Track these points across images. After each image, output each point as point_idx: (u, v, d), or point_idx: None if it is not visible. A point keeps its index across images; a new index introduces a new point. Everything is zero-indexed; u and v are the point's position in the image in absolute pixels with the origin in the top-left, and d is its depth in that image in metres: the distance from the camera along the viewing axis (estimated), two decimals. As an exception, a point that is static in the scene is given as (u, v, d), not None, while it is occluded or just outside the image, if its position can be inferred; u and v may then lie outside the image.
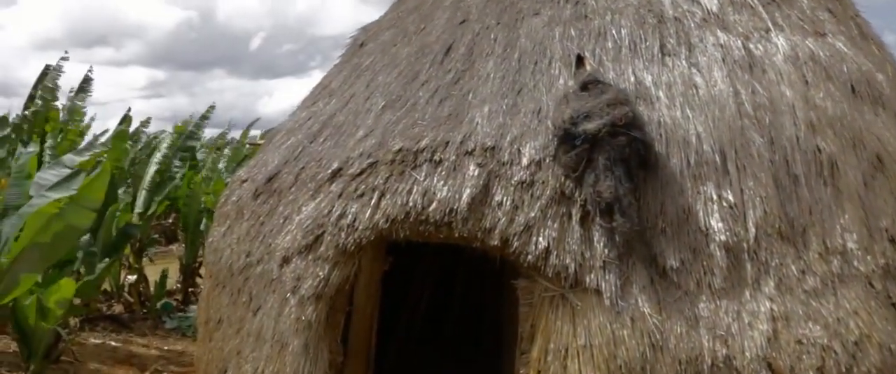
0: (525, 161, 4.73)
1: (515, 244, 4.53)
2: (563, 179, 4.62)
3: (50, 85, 9.39)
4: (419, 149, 4.91)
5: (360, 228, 4.77)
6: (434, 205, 4.64)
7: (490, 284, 7.08)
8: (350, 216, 4.82)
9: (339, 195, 4.96)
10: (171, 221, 16.72)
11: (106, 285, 10.78)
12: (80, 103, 9.58)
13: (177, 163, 10.27)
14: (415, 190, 4.72)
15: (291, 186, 5.48)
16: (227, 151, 12.54)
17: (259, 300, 5.39)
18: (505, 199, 4.62)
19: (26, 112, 8.90)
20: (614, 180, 4.44)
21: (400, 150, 4.96)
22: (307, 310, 4.90)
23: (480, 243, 4.61)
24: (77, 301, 8.07)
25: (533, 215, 4.56)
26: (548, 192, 4.61)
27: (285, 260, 5.09)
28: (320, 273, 4.85)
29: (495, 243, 4.56)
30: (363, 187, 4.90)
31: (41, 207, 5.62)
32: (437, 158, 4.83)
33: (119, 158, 9.21)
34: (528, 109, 5.03)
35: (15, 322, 6.57)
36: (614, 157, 4.50)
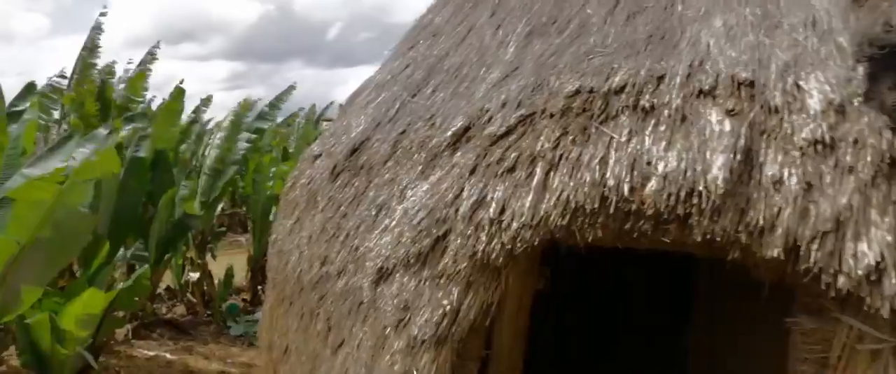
0: (816, 105, 2.46)
1: (813, 256, 2.27)
2: (893, 134, 2.35)
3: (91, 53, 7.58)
4: (612, 89, 2.68)
5: (514, 225, 2.58)
6: (654, 184, 2.42)
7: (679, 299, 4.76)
8: (494, 205, 2.65)
9: (472, 171, 2.80)
10: (245, 209, 15.02)
11: (168, 284, 8.99)
12: (138, 82, 7.66)
13: (243, 145, 8.35)
14: (613, 158, 2.52)
15: (388, 158, 3.36)
16: (298, 130, 10.53)
17: (341, 333, 3.31)
18: (787, 174, 2.37)
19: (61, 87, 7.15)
20: None
21: (576, 92, 2.75)
22: (420, 359, 2.75)
23: (741, 252, 2.37)
24: (120, 314, 6.23)
25: (843, 201, 2.30)
26: (866, 160, 2.34)
27: (383, 275, 2.96)
28: (444, 301, 2.70)
29: (773, 253, 2.31)
30: (514, 155, 2.72)
31: (32, 184, 3.69)
32: (645, 103, 2.61)
33: (169, 138, 7.36)
34: (797, 19, 2.74)
35: (26, 346, 4.73)
36: None
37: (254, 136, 8.34)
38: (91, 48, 7.84)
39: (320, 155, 4.21)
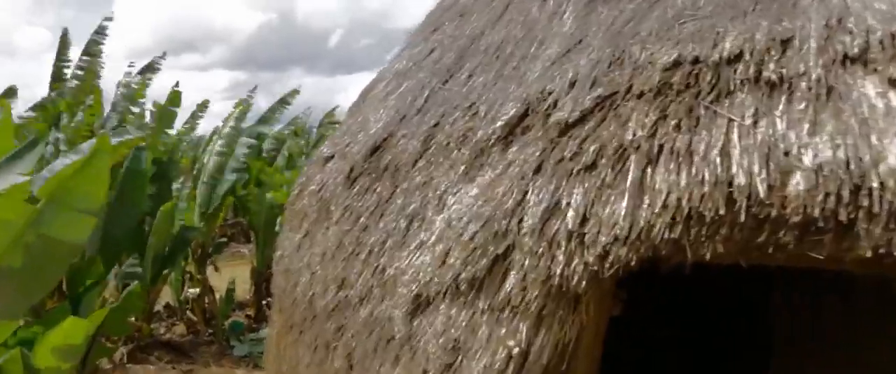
0: None
1: None
2: None
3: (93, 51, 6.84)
4: (724, 58, 1.99)
5: (603, 238, 1.86)
6: (801, 180, 1.74)
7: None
8: (572, 213, 1.95)
9: (537, 169, 2.10)
10: (247, 220, 14.33)
11: (167, 301, 8.30)
12: (135, 85, 6.92)
13: (243, 151, 7.67)
14: (736, 148, 1.84)
15: (418, 157, 2.68)
16: (305, 137, 9.72)
17: None
18: None
19: (53, 93, 6.43)
20: None
21: (674, 64, 2.07)
22: (475, 414, 2.09)
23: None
24: (111, 339, 5.54)
25: None
26: None
27: (421, 304, 2.28)
28: (508, 340, 1.99)
29: None
30: (594, 147, 2.02)
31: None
32: (772, 74, 1.94)
33: (166, 145, 6.67)
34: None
35: (-2, 384, 4.06)
36: None
37: (254, 141, 7.67)
38: (93, 54, 7.07)
39: (332, 157, 3.54)
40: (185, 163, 9.32)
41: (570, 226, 1.93)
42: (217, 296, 7.76)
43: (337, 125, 8.04)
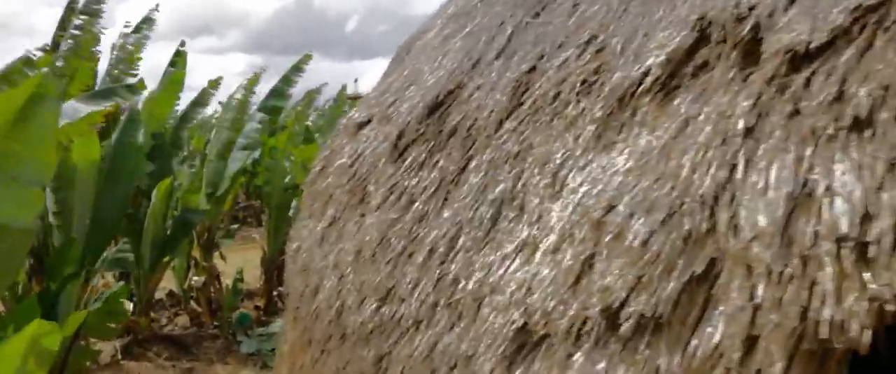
0: None
1: None
2: None
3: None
4: None
5: None
6: None
7: None
8: (841, 205, 1.10)
9: (749, 130, 1.21)
10: (260, 202, 13.47)
11: (171, 288, 7.45)
12: (130, 44, 5.95)
13: (255, 126, 6.76)
14: None
15: (505, 115, 1.77)
16: (317, 108, 8.68)
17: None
18: None
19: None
20: None
21: None
22: None
23: None
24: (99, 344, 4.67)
25: None
26: None
27: (526, 345, 1.40)
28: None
29: None
30: (863, 89, 1.16)
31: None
32: None
33: (162, 113, 5.78)
34: None
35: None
36: None
37: (266, 116, 6.75)
38: (91, 14, 6.05)
39: (367, 122, 2.63)
40: (198, 145, 8.42)
41: (840, 226, 1.01)
42: (224, 285, 6.90)
43: (355, 100, 7.13)
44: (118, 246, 4.75)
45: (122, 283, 5.17)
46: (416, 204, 1.97)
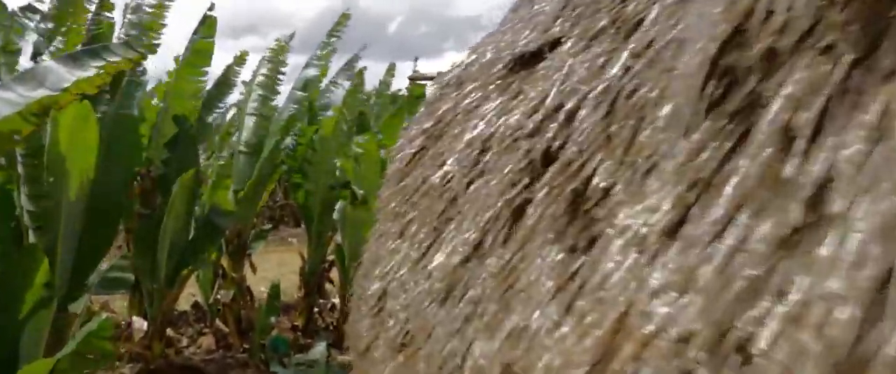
0: None
1: None
2: None
3: None
4: None
5: None
6: None
7: None
8: None
9: None
10: (296, 202, 12.46)
11: (196, 298, 6.46)
12: (150, 8, 4.83)
13: (290, 107, 5.66)
14: None
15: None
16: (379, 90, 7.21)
17: None
18: None
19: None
20: None
21: None
22: None
23: None
24: None
25: None
26: None
27: None
28: None
29: None
30: None
31: None
32: None
33: (193, 91, 4.72)
34: None
35: None
36: None
37: (302, 94, 5.65)
38: None
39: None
40: (224, 137, 7.39)
41: None
42: (256, 302, 5.86)
43: (422, 78, 5.95)
44: (114, 261, 3.70)
45: (91, 325, 4.14)
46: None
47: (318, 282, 6.38)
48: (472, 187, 1.43)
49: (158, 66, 12.56)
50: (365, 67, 5.87)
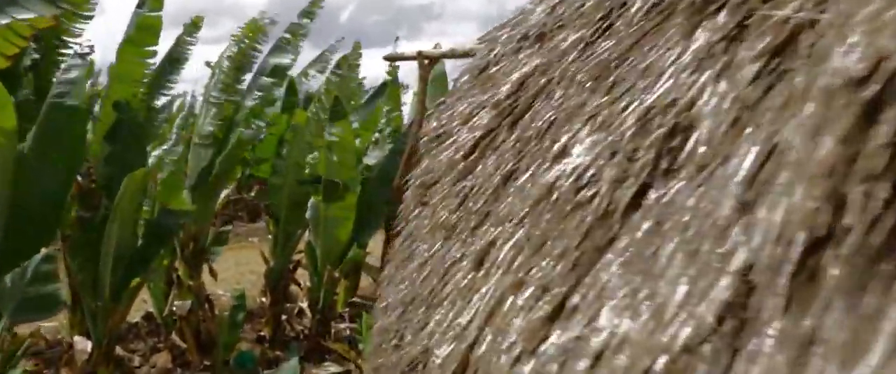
0: None
1: None
2: None
3: None
4: None
5: None
6: None
7: None
8: None
9: None
10: (252, 194, 11.69)
11: (149, 309, 5.80)
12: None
13: (255, 95, 5.02)
14: None
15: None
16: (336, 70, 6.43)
17: None
18: None
19: None
20: None
21: None
22: None
23: None
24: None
25: None
26: None
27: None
28: None
29: None
30: None
31: None
32: None
33: (138, 75, 4.06)
34: None
35: None
36: None
37: (271, 80, 5.05)
38: None
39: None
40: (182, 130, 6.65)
41: None
42: (217, 310, 5.25)
43: (432, 56, 5.32)
44: (34, 267, 3.06)
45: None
46: None
47: (284, 284, 5.80)
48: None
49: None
50: (346, 55, 5.31)
